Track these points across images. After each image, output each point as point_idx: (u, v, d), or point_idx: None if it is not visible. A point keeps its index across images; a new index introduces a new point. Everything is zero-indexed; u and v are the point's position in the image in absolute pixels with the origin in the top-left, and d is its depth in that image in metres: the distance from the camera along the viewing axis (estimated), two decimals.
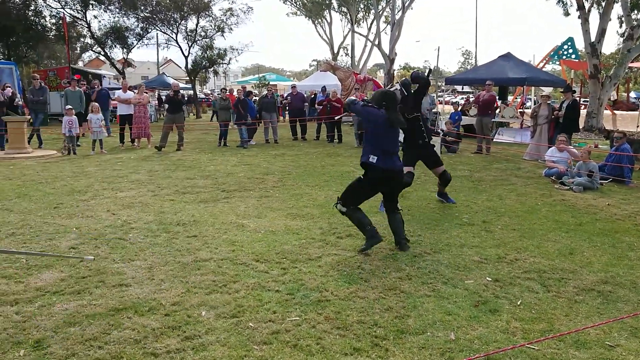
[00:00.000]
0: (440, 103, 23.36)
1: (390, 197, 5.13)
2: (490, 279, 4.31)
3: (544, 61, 21.78)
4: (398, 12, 26.48)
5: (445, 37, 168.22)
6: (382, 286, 4.11)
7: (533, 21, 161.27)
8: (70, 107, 12.65)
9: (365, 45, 34.10)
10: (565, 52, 21.29)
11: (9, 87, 14.69)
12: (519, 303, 3.85)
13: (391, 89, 5.70)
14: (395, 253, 4.93)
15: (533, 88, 21.07)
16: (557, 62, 22.29)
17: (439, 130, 13.97)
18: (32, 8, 28.78)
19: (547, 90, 17.93)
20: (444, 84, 23.94)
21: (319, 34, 38.55)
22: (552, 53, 21.43)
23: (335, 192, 7.66)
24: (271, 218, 6.21)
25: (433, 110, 16.04)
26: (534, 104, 18.83)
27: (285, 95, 20.68)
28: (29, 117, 13.56)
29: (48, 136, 14.62)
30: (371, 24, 34.92)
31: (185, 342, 3.20)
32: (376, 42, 28.08)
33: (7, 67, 20.21)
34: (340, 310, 3.66)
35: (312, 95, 18.55)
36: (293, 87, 17.78)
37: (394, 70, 27.47)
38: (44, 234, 5.45)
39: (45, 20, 30.52)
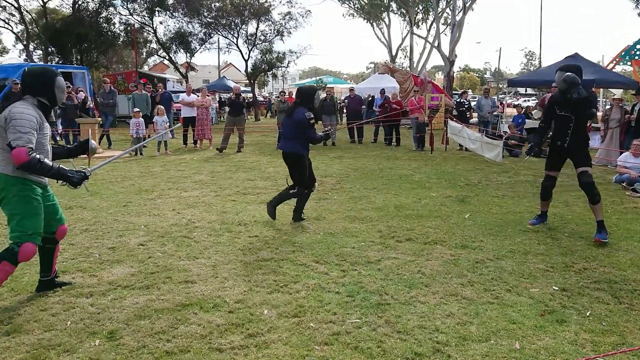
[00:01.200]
0: (502, 105, 22.72)
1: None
2: (557, 288, 4.16)
3: (614, 62, 20.76)
4: (459, 13, 25.99)
5: (507, 38, 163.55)
6: (443, 292, 4.06)
7: (602, 20, 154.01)
8: (137, 109, 13.21)
9: (425, 47, 33.64)
10: (638, 52, 20.21)
11: (82, 90, 15.54)
12: (588, 314, 3.70)
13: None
14: (457, 258, 4.85)
15: (602, 90, 20.13)
16: (629, 63, 21.16)
17: (501, 134, 13.61)
18: (104, 16, 30.22)
19: (617, 92, 17.10)
20: (506, 85, 23.27)
21: (377, 36, 38.33)
22: (622, 53, 20.38)
23: (394, 196, 7.64)
24: (330, 220, 6.25)
25: (494, 113, 15.65)
26: (603, 107, 17.99)
27: (342, 98, 20.75)
28: (100, 119, 14.25)
29: (116, 137, 15.35)
30: (430, 25, 34.42)
31: (248, 340, 3.28)
32: (435, 44, 27.66)
33: (80, 71, 21.37)
34: (401, 314, 3.64)
35: (370, 98, 18.53)
36: (351, 89, 17.80)
37: (453, 72, 26.97)
38: (115, 231, 5.72)
39: (115, 27, 32.03)
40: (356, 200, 7.40)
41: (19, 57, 37.01)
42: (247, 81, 33.07)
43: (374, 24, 37.82)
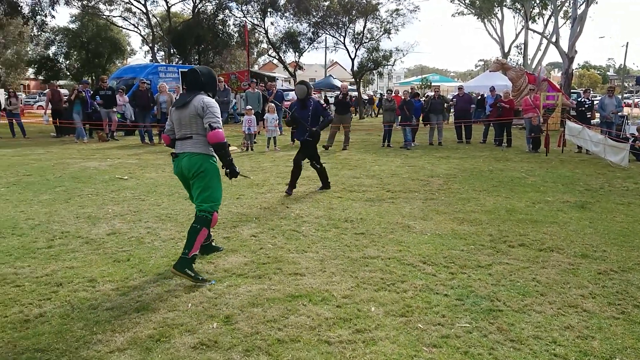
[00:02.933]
0: (628, 105, 20.86)
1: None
2: None
3: None
4: (580, 5, 24.22)
5: (636, 31, 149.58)
6: (561, 302, 3.83)
7: None
8: (250, 107, 13.82)
9: (541, 43, 31.76)
10: None
11: None
12: None
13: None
14: (576, 268, 4.55)
15: None
16: None
17: (628, 136, 12.52)
18: (220, 18, 31.89)
19: None
20: (634, 83, 21.32)
21: (489, 33, 36.85)
22: None
23: (505, 199, 7.32)
24: (437, 221, 6.13)
25: (619, 114, 14.40)
26: None
27: (451, 96, 20.20)
28: None
29: (228, 134, 16.14)
30: (548, 19, 32.40)
31: (356, 335, 3.32)
32: (553, 40, 26.00)
33: None
34: (514, 323, 3.49)
35: (479, 97, 17.87)
36: (460, 88, 17.28)
37: (572, 69, 25.20)
38: (229, 222, 6.04)
39: (229, 29, 33.71)
40: (464, 201, 7.19)
41: (144, 58, 40.22)
42: (353, 79, 33.29)
43: (486, 20, 36.38)
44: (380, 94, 42.97)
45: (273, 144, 13.35)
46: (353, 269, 4.52)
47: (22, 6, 25.96)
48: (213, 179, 4.32)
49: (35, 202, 6.96)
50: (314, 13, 30.82)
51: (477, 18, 37.08)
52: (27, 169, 9.78)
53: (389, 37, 30.63)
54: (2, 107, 17.08)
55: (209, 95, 4.37)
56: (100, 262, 4.63)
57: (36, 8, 26.47)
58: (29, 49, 44.60)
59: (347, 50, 31.07)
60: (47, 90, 18.35)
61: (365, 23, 30.05)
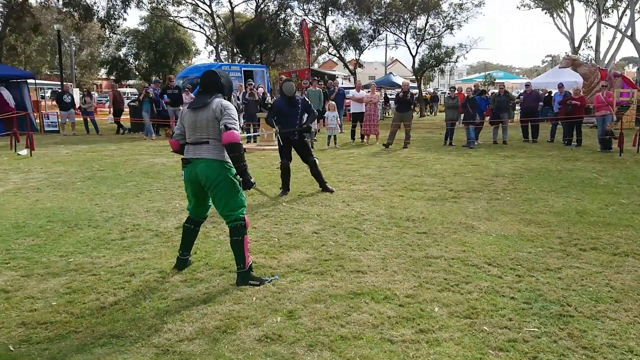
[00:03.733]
0: None
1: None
2: None
3: None
4: None
5: None
6: (638, 310, 3.63)
7: None
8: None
9: (614, 37, 30.19)
10: None
11: (261, 87, 16.81)
12: None
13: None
14: None
15: None
16: None
17: None
18: (282, 17, 32.30)
19: None
20: None
21: (557, 27, 35.39)
22: None
23: (576, 200, 7.02)
24: (503, 222, 5.96)
25: None
26: None
27: (516, 93, 19.55)
28: None
29: None
30: (623, 12, 30.73)
31: (419, 335, 3.29)
32: (628, 33, 24.62)
33: (260, 70, 23.18)
34: (587, 329, 3.34)
35: (546, 94, 17.19)
36: (527, 85, 16.69)
37: None
38: (291, 218, 6.12)
39: (290, 28, 34.09)
40: (531, 202, 6.95)
41: (208, 57, 41.39)
42: (414, 77, 32.87)
43: (554, 13, 34.93)
44: (441, 92, 42.19)
45: (333, 141, 13.40)
46: (415, 268, 4.47)
47: (97, 10, 27.35)
48: (234, 186, 4.08)
49: (109, 196, 7.32)
50: (375, 10, 30.63)
51: (545, 12, 35.69)
52: (100, 165, 10.31)
53: (451, 33, 29.93)
54: (78, 105, 18.08)
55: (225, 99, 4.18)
56: (169, 255, 4.82)
57: (110, 11, 27.80)
58: (101, 50, 46.92)
59: (408, 47, 30.75)
60: (110, 91, 19.35)
61: (428, 19, 29.60)
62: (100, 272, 4.38)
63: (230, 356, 3.03)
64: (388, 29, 31.80)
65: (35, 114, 18.38)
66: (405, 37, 30.79)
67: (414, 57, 30.39)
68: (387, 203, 6.92)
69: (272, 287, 4.05)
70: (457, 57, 30.25)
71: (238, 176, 4.07)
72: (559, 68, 22.55)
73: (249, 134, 14.74)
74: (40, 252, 4.87)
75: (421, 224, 5.87)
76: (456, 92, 15.49)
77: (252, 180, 4.12)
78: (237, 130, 3.98)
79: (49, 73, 50.10)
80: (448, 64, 31.43)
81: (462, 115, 14.47)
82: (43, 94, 34.64)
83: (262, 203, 6.88)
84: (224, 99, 4.16)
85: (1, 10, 26.63)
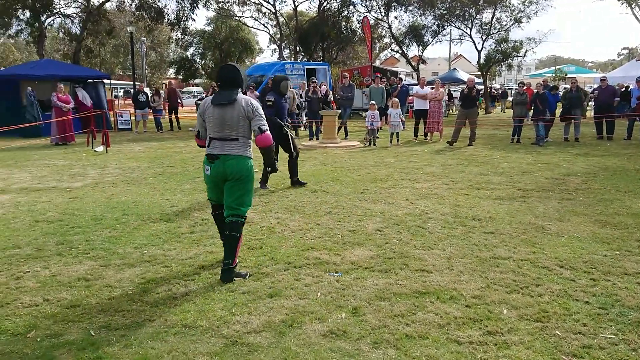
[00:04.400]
0: None
1: None
2: None
3: None
4: None
5: None
6: None
7: None
8: (373, 102, 13.87)
9: None
10: None
11: (324, 85, 16.89)
12: None
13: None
14: None
15: None
16: None
17: None
18: (344, 14, 32.32)
19: None
20: None
21: (636, 18, 33.34)
22: None
23: None
24: (575, 223, 5.71)
25: None
26: None
27: (589, 88, 18.61)
28: (339, 111, 15.34)
29: (351, 129, 16.37)
30: None
31: (487, 337, 3.21)
32: None
33: (322, 67, 23.32)
34: None
35: (622, 89, 16.27)
36: (603, 79, 15.84)
37: None
38: (354, 215, 6.13)
39: (353, 25, 34.04)
40: (607, 203, 6.61)
41: (271, 56, 42.03)
42: (479, 72, 32.00)
43: (633, 3, 32.92)
44: (507, 88, 40.82)
45: (396, 139, 13.28)
46: (482, 268, 4.37)
47: (167, 12, 28.44)
48: (251, 182, 4.25)
49: (178, 191, 7.61)
50: (439, 5, 30.05)
51: (622, 2, 33.70)
52: (170, 161, 10.72)
53: (519, 27, 28.85)
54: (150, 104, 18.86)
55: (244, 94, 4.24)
56: None
57: (180, 13, 28.83)
58: (170, 51, 48.71)
59: (474, 41, 29.97)
60: (165, 89, 20.05)
61: (494, 12, 28.71)
62: (171, 264, 4.57)
63: (296, 350, 3.08)
64: (453, 24, 31.12)
65: (110, 113, 19.36)
66: (470, 32, 30.02)
67: (479, 52, 29.60)
68: (451, 201, 6.79)
69: (336, 283, 4.08)
70: (526, 51, 29.16)
71: (266, 167, 4.51)
72: (636, 61, 21.25)
73: (311, 132, 14.86)
74: (116, 244, 5.14)
75: (488, 224, 5.72)
76: (525, 87, 14.94)
77: (276, 167, 4.63)
78: (269, 132, 4.17)
79: (121, 73, 52.61)
80: (516, 58, 30.35)
81: (531, 111, 13.94)
82: (116, 94, 36.40)
83: (325, 200, 6.93)
84: (244, 94, 4.23)
85: (80, 15, 28.20)
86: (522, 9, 28.19)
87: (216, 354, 3.04)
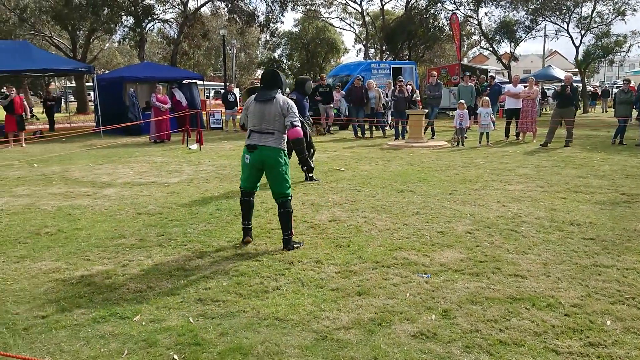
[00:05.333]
0: None
1: None
2: None
3: None
4: None
5: None
6: None
7: None
8: (462, 101, 13.51)
9: None
10: None
11: (410, 84, 16.68)
12: None
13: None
14: None
15: None
16: None
17: None
18: (432, 12, 31.74)
19: None
20: None
21: None
22: None
23: None
24: None
25: None
26: None
27: None
28: (427, 110, 15.08)
29: (438, 128, 16.04)
30: None
31: (588, 348, 3.04)
32: None
33: (408, 66, 23.02)
34: None
35: None
36: None
37: None
38: (442, 217, 6.01)
39: (440, 22, 33.33)
40: None
41: (356, 55, 42.13)
42: (576, 69, 30.18)
43: None
44: (608, 85, 38.23)
45: (486, 139, 12.85)
46: (582, 276, 4.13)
47: (258, 15, 29.37)
48: (288, 170, 4.93)
49: (268, 188, 7.81)
50: None
51: None
52: None
53: (622, 20, 26.84)
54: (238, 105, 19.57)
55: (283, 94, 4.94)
56: (324, 246, 5.02)
57: (269, 15, 29.68)
58: (258, 52, 50.21)
59: (571, 37, 28.30)
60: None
61: (595, 5, 26.93)
62: (263, 258, 4.72)
63: (385, 349, 3.08)
64: (548, 19, 29.57)
65: (203, 112, 20.30)
66: (567, 27, 28.38)
67: (577, 47, 27.91)
68: (547, 205, 6.47)
69: (426, 284, 4.03)
70: (630, 46, 27.13)
71: (299, 164, 5.18)
72: None
73: (397, 132, 14.73)
74: (211, 237, 5.39)
75: (588, 230, 5.39)
76: (630, 85, 13.89)
77: (312, 165, 5.29)
78: (300, 126, 4.78)
79: (212, 75, 54.91)
80: (618, 54, 28.31)
81: (637, 111, 12.95)
82: (208, 94, 38.07)
83: (412, 200, 6.85)
84: (284, 94, 4.94)
85: (177, 19, 29.81)
86: (626, 0, 26.24)
87: (307, 348, 3.11)
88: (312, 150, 8.51)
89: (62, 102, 33.73)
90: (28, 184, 8.54)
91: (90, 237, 5.45)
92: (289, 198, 4.96)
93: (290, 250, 4.83)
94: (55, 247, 5.15)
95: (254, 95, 4.92)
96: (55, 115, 21.65)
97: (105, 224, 5.98)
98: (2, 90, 23.47)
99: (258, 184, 5.18)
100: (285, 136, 4.84)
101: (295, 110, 4.78)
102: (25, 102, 14.99)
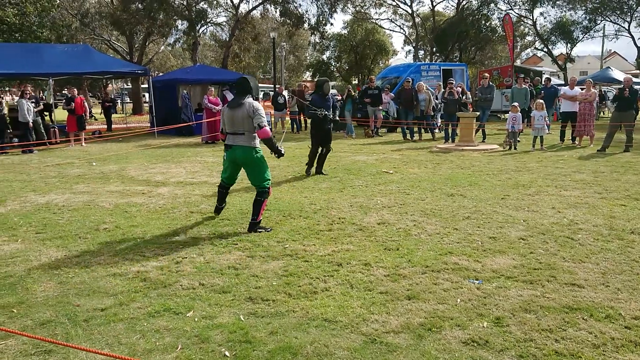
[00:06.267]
0: None
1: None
2: None
3: None
4: None
5: None
6: None
7: None
8: (515, 103, 13.16)
9: None
10: None
11: (461, 85, 16.39)
12: None
13: None
14: None
15: None
16: None
17: None
18: (484, 12, 31.11)
19: None
20: None
21: None
22: None
23: None
24: None
25: None
26: None
27: None
28: (478, 113, 14.78)
29: (489, 131, 15.69)
30: None
31: None
32: None
33: (459, 68, 22.64)
34: None
35: None
36: None
37: None
38: (494, 222, 5.88)
39: (492, 23, 32.60)
40: None
41: (405, 57, 41.76)
42: (637, 71, 28.87)
43: None
44: None
45: (539, 142, 12.46)
46: None
47: (308, 17, 29.64)
48: (262, 164, 5.63)
49: (316, 190, 7.88)
50: None
51: None
52: (306, 160, 11.10)
53: None
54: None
55: (254, 98, 5.58)
56: (373, 249, 5.01)
57: (319, 18, 29.88)
58: (307, 54, 50.56)
59: (632, 36, 27.18)
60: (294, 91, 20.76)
61: None
62: (311, 259, 4.75)
63: (436, 355, 3.05)
64: (607, 18, 28.44)
65: None
66: (628, 27, 27.22)
67: (639, 48, 26.68)
68: (605, 212, 6.22)
69: (477, 291, 3.96)
70: None
71: (272, 153, 5.76)
72: None
73: (447, 134, 14.51)
74: (260, 237, 5.46)
75: None
76: None
77: (282, 151, 5.78)
78: (267, 126, 5.48)
79: (262, 77, 55.69)
80: None
81: None
82: (256, 96, 38.65)
83: (462, 205, 6.73)
84: (254, 98, 5.56)
85: (229, 23, 30.43)
86: None
87: (356, 350, 3.11)
88: (324, 149, 9.20)
89: (119, 104, 35.04)
90: (87, 182, 8.92)
91: (146, 234, 5.64)
92: (266, 189, 5.66)
93: (254, 233, 5.53)
94: (113, 242, 5.36)
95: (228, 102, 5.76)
96: (113, 116, 22.49)
97: (160, 221, 6.17)
98: (64, 92, 24.63)
99: (235, 179, 6.09)
100: (255, 134, 5.50)
101: (261, 111, 5.42)
102: (85, 103, 15.65)
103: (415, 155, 11.90)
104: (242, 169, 5.83)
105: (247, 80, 5.63)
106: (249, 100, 5.51)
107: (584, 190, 7.50)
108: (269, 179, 5.73)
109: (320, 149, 9.19)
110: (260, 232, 5.56)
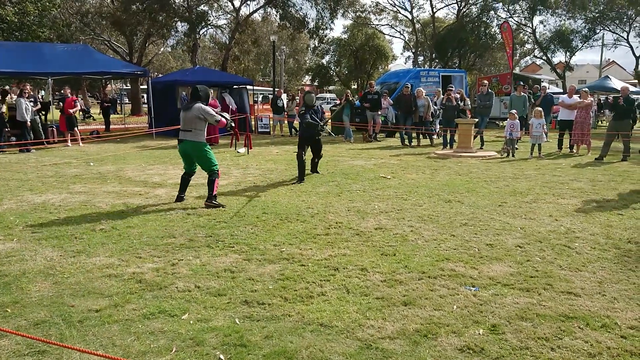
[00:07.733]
0: None
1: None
2: None
3: None
4: None
5: None
6: None
7: None
8: (513, 111, 13.19)
9: None
10: None
11: (460, 92, 16.42)
12: None
13: None
14: None
15: None
16: None
17: None
18: (484, 20, 31.23)
19: None
20: None
21: None
22: None
23: None
24: None
25: None
26: None
27: None
28: (476, 119, 14.81)
29: (487, 138, 15.72)
30: None
31: None
32: None
33: (458, 74, 22.69)
34: None
35: None
36: None
37: None
38: (491, 229, 5.88)
39: (492, 31, 32.73)
40: None
41: (404, 63, 41.86)
42: (636, 81, 28.98)
43: None
44: None
45: (537, 150, 12.49)
46: None
47: (308, 21, 29.66)
48: (207, 154, 6.92)
49: (314, 194, 7.87)
50: (592, 7, 27.76)
51: None
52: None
53: None
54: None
55: (204, 104, 6.85)
56: (370, 254, 5.00)
57: (319, 22, 29.93)
58: (307, 58, 50.64)
59: (631, 46, 27.37)
60: (300, 95, 20.76)
61: None
62: (308, 263, 4.74)
63: None
64: (607, 28, 28.57)
65: (251, 117, 20.61)
66: (627, 36, 27.37)
67: (637, 57, 26.82)
68: (602, 221, 6.23)
69: (473, 297, 3.95)
70: None
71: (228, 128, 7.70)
72: None
73: (445, 140, 14.53)
74: (257, 240, 5.46)
75: None
76: None
77: (231, 122, 7.33)
78: (219, 119, 6.88)
79: (261, 80, 55.75)
80: None
81: None
82: (256, 99, 38.69)
83: (460, 211, 6.73)
84: (203, 103, 6.83)
85: (229, 25, 30.48)
86: None
87: (351, 356, 3.10)
88: (317, 159, 9.66)
89: (117, 104, 35.03)
90: (84, 182, 8.89)
91: (142, 235, 5.62)
92: (215, 171, 6.93)
93: (209, 208, 6.82)
94: (109, 243, 5.34)
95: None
96: (111, 116, 22.47)
97: (156, 223, 6.16)
98: (62, 91, 24.61)
99: (194, 167, 7.19)
100: (203, 132, 6.83)
101: (210, 111, 6.76)
102: (77, 103, 15.65)
103: (413, 160, 11.91)
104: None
105: (197, 90, 6.90)
106: (198, 104, 6.76)
107: (581, 199, 7.51)
108: (216, 164, 7.03)
109: (312, 157, 9.58)
110: (215, 205, 6.87)
